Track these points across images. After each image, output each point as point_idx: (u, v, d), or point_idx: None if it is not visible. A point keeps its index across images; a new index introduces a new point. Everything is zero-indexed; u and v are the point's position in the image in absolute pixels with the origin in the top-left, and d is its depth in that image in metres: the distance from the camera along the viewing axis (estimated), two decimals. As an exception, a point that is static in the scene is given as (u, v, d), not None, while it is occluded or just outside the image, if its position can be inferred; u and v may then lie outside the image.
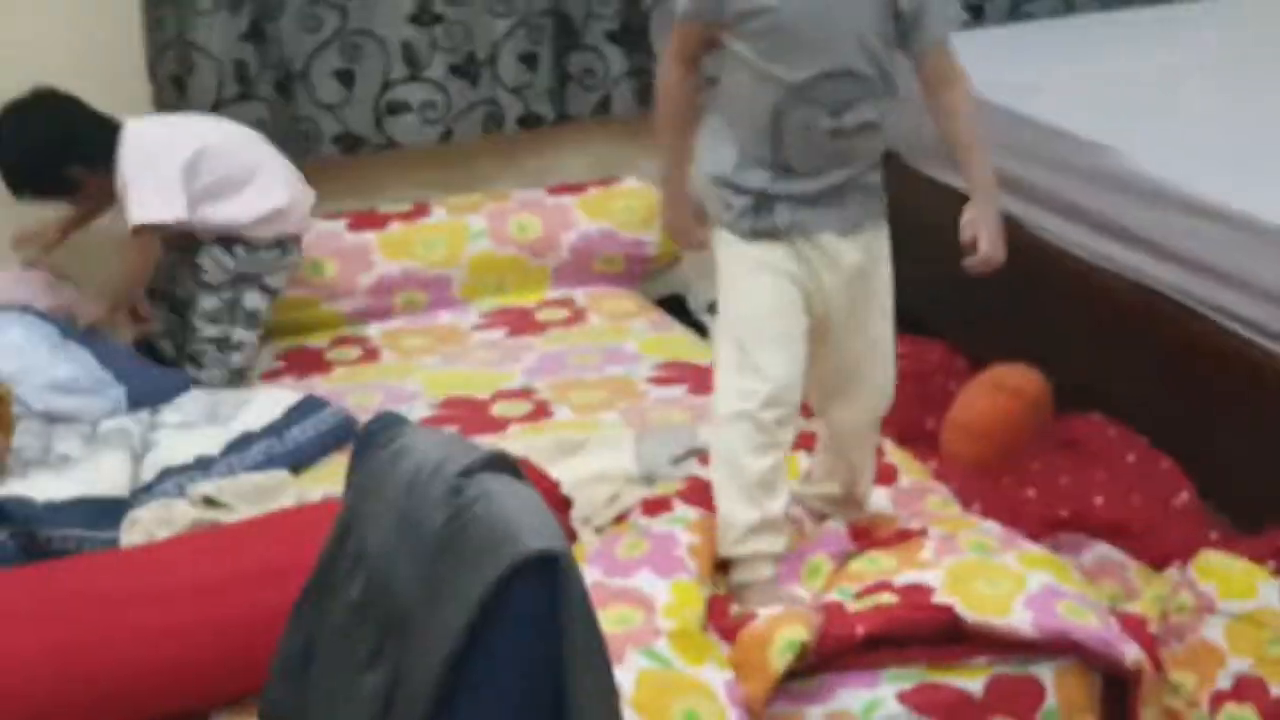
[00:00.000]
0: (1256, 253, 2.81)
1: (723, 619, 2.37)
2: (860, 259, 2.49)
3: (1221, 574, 2.62)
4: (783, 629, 2.25)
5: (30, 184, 3.13)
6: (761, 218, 2.45)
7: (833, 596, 2.39)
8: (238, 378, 3.10)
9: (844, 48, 2.40)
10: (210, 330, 3.10)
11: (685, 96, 2.53)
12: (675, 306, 3.52)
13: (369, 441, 2.02)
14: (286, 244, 3.16)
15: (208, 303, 3.09)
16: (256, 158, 3.19)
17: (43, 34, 3.41)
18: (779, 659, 2.22)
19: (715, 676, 2.23)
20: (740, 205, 2.45)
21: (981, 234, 2.53)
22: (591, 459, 2.74)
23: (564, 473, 2.64)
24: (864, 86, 2.43)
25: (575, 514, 2.59)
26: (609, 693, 1.88)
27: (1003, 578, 2.37)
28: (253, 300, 3.12)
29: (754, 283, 2.47)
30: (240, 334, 3.11)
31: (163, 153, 3.08)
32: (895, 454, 2.86)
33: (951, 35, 2.53)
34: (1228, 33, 3.78)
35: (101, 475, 2.68)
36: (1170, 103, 3.33)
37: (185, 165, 3.06)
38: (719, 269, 2.53)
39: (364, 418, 2.73)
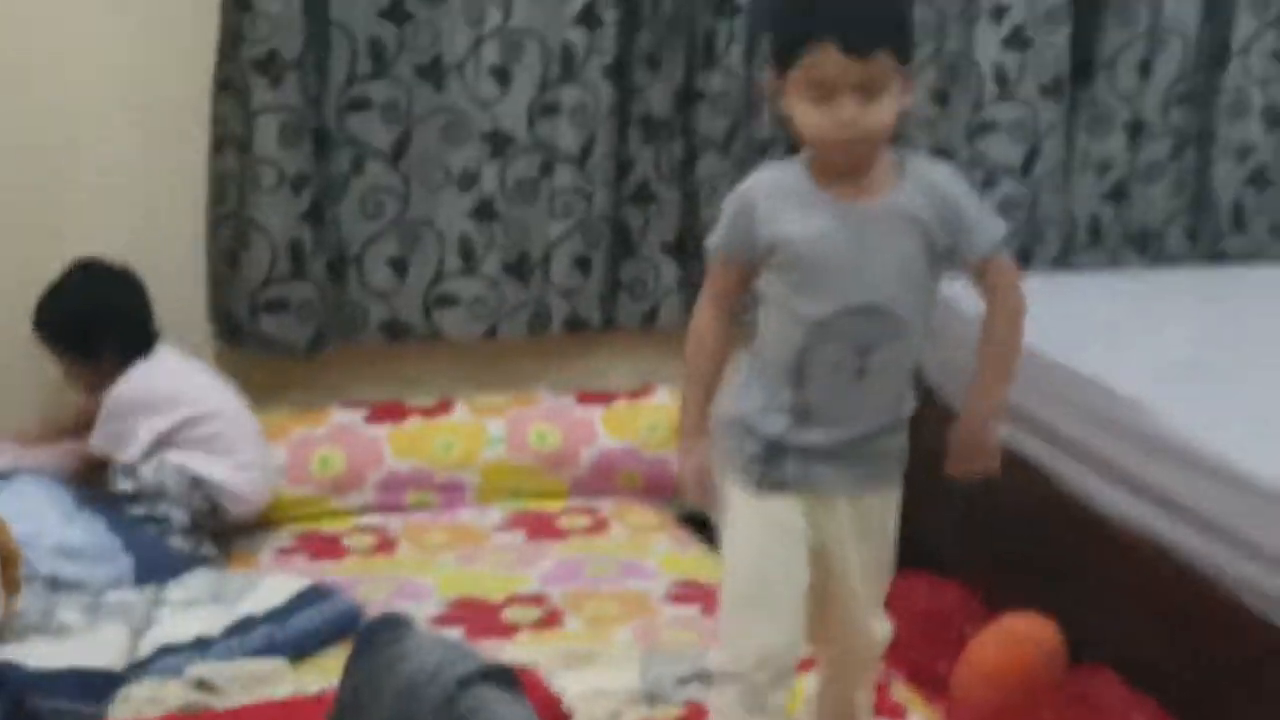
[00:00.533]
0: None
1: None
2: (868, 520, 2.47)
3: None
4: None
5: (65, 334, 3.22)
6: (771, 468, 2.40)
7: None
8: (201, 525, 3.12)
9: (871, 283, 2.37)
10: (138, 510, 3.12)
11: (718, 343, 2.48)
12: (699, 524, 3.46)
13: (369, 640, 2.03)
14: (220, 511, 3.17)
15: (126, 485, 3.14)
16: (243, 433, 3.24)
17: (108, 195, 3.44)
18: None
19: None
20: (751, 452, 2.40)
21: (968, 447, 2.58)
22: (597, 673, 2.70)
23: (568, 684, 2.60)
24: (892, 325, 2.39)
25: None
26: None
27: None
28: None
29: (758, 540, 2.42)
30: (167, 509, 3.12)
31: (154, 404, 3.19)
32: (904, 693, 2.85)
33: (1002, 245, 2.50)
34: (1269, 302, 3.77)
35: (98, 647, 2.65)
36: (1209, 366, 3.32)
37: (164, 430, 3.16)
38: (728, 513, 2.47)
39: (373, 610, 2.74)
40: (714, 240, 2.43)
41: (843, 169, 2.35)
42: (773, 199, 2.37)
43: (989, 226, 2.45)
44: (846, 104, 2.25)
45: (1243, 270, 4.01)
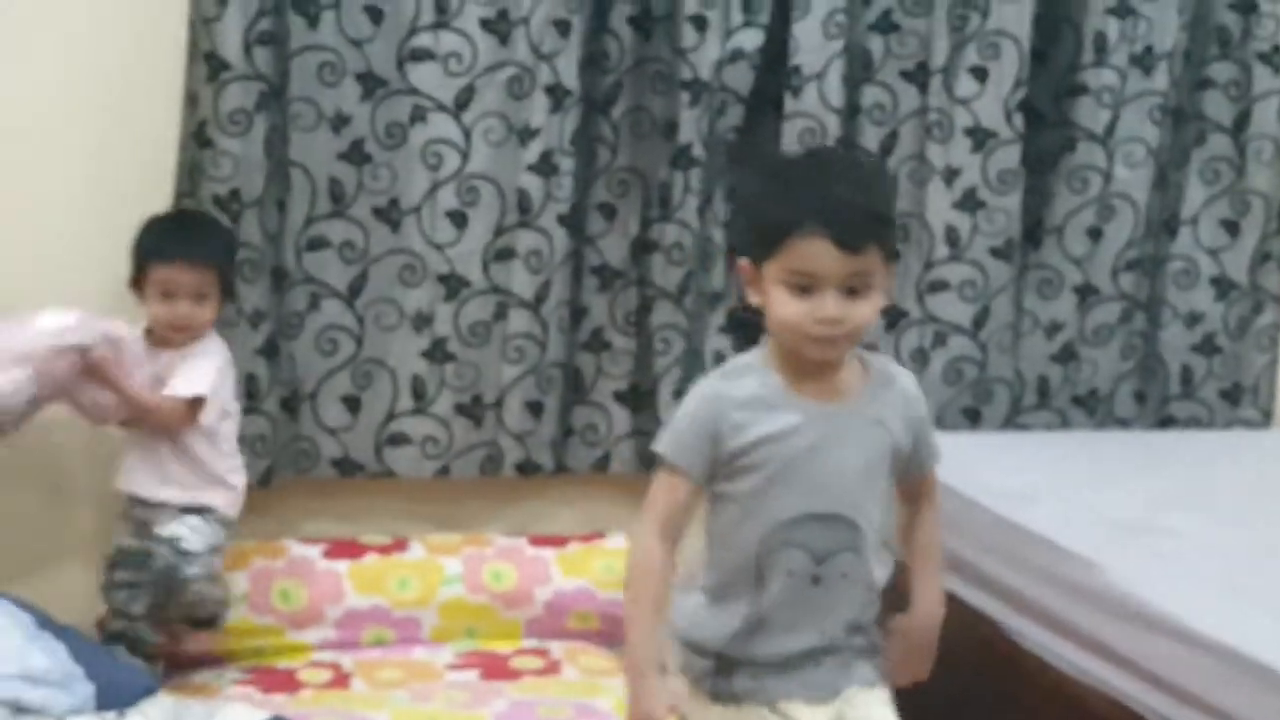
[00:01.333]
0: (1238, 686, 2.77)
1: None
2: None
3: None
4: None
5: (228, 262, 3.30)
6: (720, 682, 2.37)
7: None
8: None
9: (837, 491, 2.34)
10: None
11: (664, 574, 2.36)
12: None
13: None
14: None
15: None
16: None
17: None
18: None
19: None
20: (701, 667, 2.38)
21: (917, 652, 2.59)
22: None
23: None
24: (850, 535, 2.36)
25: None
26: None
27: None
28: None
29: None
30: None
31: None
32: None
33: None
34: (1217, 467, 3.83)
35: (60, 775, 2.66)
36: (1159, 527, 3.34)
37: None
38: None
39: None
40: (668, 448, 2.35)
41: (814, 367, 2.33)
42: (745, 410, 2.32)
43: (935, 440, 2.54)
44: (831, 298, 2.21)
45: (1191, 434, 4.06)
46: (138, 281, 3.19)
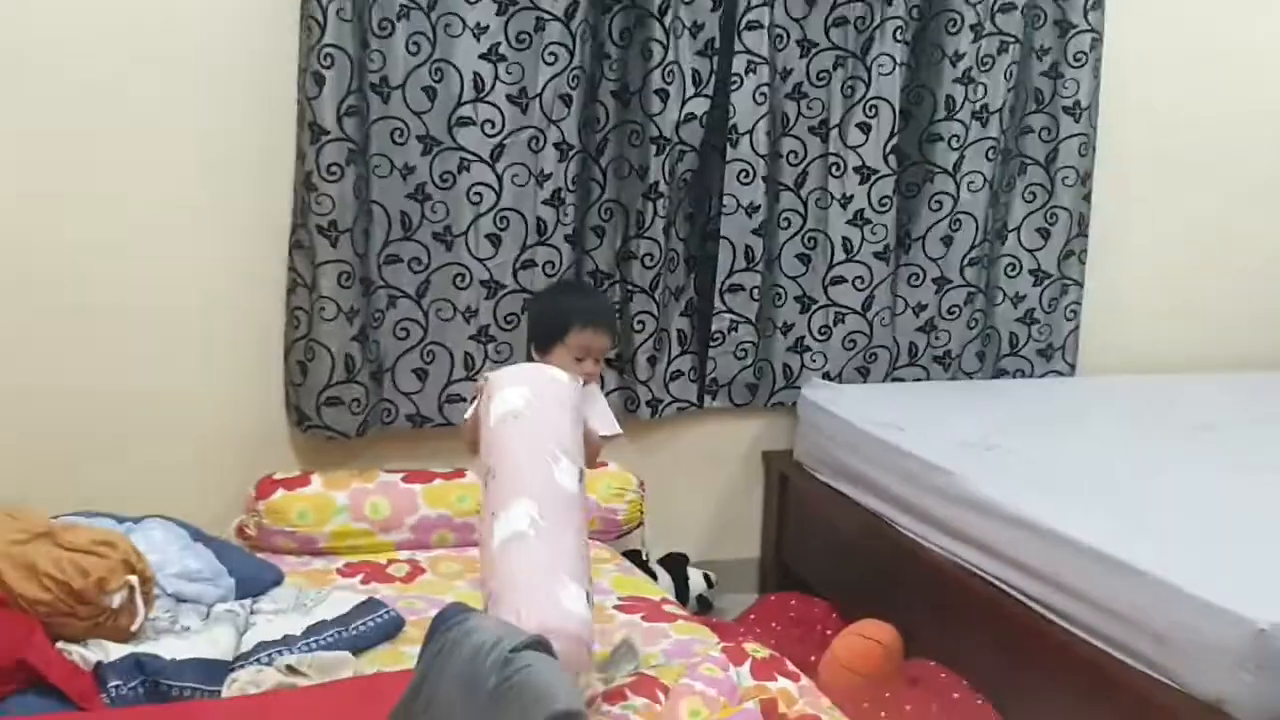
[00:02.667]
0: (1056, 554, 2.84)
1: None
2: None
3: None
4: None
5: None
6: None
7: None
8: None
9: None
10: None
11: None
12: (634, 558, 3.53)
13: (443, 621, 2.06)
14: None
15: None
16: None
17: (212, 326, 3.47)
18: None
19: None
20: None
21: None
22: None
23: None
24: None
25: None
26: None
27: None
28: None
29: None
30: None
31: None
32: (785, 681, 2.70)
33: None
34: (1036, 403, 3.89)
35: (213, 644, 2.66)
36: (995, 445, 3.39)
37: None
38: None
39: (413, 620, 2.76)
40: None
41: None
42: None
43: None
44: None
45: (1017, 381, 4.12)
46: (547, 339, 2.99)
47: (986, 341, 4.12)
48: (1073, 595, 2.82)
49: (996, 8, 3.89)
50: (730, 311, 3.82)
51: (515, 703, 1.83)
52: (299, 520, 3.27)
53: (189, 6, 3.33)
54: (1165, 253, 4.30)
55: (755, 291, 3.83)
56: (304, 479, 3.35)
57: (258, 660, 2.64)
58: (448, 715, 1.90)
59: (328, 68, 3.32)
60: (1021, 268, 4.09)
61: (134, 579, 2.70)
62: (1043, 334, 4.15)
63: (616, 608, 3.00)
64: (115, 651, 2.60)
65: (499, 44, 3.49)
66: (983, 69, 3.90)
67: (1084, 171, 4.06)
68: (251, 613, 2.86)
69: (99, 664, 2.56)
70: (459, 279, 3.57)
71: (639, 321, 3.74)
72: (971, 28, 3.86)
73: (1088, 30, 3.96)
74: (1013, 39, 3.91)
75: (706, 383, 3.86)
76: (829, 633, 3.32)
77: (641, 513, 3.53)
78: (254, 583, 2.97)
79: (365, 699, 2.33)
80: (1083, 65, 3.98)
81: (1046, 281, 4.11)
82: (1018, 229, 4.07)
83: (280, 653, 2.67)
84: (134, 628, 2.69)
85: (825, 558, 3.68)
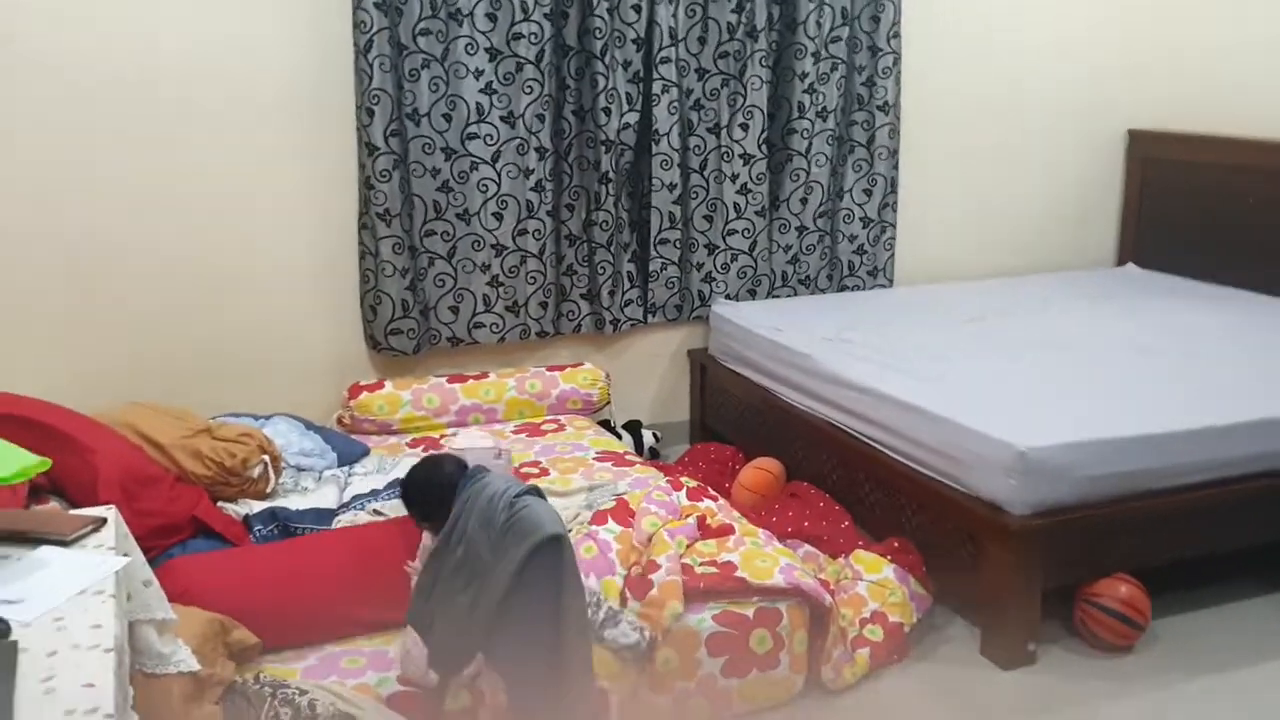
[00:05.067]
0: (886, 411, 2.86)
1: (636, 587, 2.28)
2: None
3: (865, 561, 2.69)
4: (670, 601, 2.23)
5: None
6: None
7: (687, 561, 2.37)
8: None
9: None
10: None
11: None
12: (605, 425, 3.52)
13: (469, 477, 2.05)
14: None
15: None
16: None
17: (315, 285, 3.40)
18: (668, 617, 2.22)
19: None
20: None
21: None
22: (566, 497, 2.71)
23: (554, 503, 2.57)
24: None
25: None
26: (583, 609, 1.90)
27: (767, 559, 2.39)
28: None
29: None
30: None
31: None
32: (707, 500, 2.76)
33: None
34: (867, 307, 3.83)
35: (324, 498, 2.68)
36: (842, 338, 3.36)
37: None
38: None
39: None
40: None
41: None
42: None
43: None
44: None
45: (855, 294, 4.03)
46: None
47: (833, 268, 4.06)
48: (895, 434, 2.84)
49: (829, 39, 3.82)
50: (661, 257, 3.78)
51: (518, 531, 1.84)
52: (378, 412, 3.27)
53: (278, 68, 3.25)
54: (951, 201, 4.25)
55: (677, 243, 3.79)
56: (379, 384, 3.34)
57: (354, 507, 2.66)
58: (473, 544, 1.91)
59: (375, 104, 3.26)
60: (854, 217, 4.02)
61: (267, 458, 2.71)
62: (870, 261, 4.08)
63: (595, 459, 3.02)
64: (257, 506, 2.62)
65: (492, 82, 3.41)
66: (821, 83, 3.84)
67: (892, 149, 3.98)
68: (349, 475, 2.87)
69: (246, 516, 2.56)
70: (475, 244, 3.50)
71: (600, 267, 3.66)
72: (813, 55, 3.79)
73: (890, 52, 3.90)
74: (841, 60, 3.86)
75: (648, 306, 3.83)
76: (736, 467, 3.35)
77: (609, 395, 3.53)
78: (349, 455, 2.99)
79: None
80: (889, 77, 3.92)
81: (871, 225, 4.04)
82: (850, 191, 3.99)
83: (369, 500, 2.69)
84: (268, 490, 2.70)
85: (732, 418, 3.68)
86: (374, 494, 2.72)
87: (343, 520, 2.57)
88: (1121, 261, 4.50)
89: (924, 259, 4.22)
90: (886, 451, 2.85)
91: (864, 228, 4.04)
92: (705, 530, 2.54)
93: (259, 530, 2.50)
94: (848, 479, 3.02)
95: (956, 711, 2.34)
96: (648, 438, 3.69)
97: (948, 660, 2.53)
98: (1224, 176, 4.04)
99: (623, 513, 2.53)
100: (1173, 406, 2.68)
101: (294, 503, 2.64)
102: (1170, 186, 4.27)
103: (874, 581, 2.59)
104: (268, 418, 3.04)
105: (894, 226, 4.08)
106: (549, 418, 3.39)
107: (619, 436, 3.50)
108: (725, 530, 2.52)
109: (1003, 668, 2.50)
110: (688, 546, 2.45)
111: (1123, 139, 4.42)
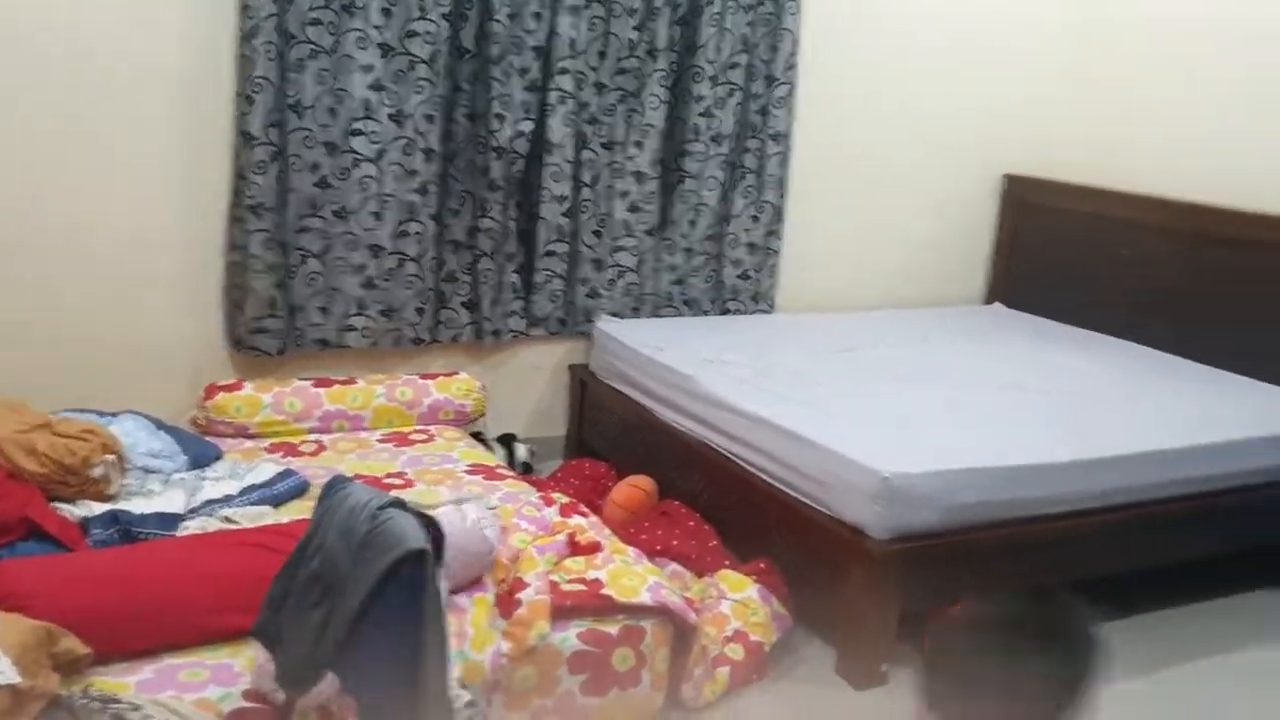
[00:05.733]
0: (759, 431, 2.91)
1: (504, 605, 2.24)
2: None
3: (730, 580, 2.73)
4: (537, 621, 2.21)
5: None
6: None
7: (554, 578, 2.35)
8: None
9: None
10: None
11: None
12: (478, 437, 3.48)
13: (331, 487, 2.01)
14: None
15: None
16: None
17: (180, 278, 3.29)
18: (534, 638, 2.20)
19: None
20: None
21: None
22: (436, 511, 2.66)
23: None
24: None
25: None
26: (443, 630, 1.86)
27: (635, 577, 2.39)
28: None
29: None
30: None
31: None
32: (579, 518, 2.73)
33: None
34: (749, 330, 3.89)
35: (171, 502, 2.57)
36: (722, 359, 3.41)
37: None
38: None
39: (316, 483, 2.66)
40: None
41: None
42: None
43: None
44: None
45: (738, 317, 4.08)
46: None
47: (718, 291, 4.09)
48: (766, 456, 2.89)
49: (727, 64, 3.88)
50: (547, 269, 3.76)
51: (379, 545, 1.79)
52: (235, 413, 3.16)
53: (146, 50, 3.13)
54: (835, 232, 4.35)
55: (564, 255, 3.78)
56: (238, 385, 3.23)
57: (204, 513, 2.57)
58: (331, 556, 1.86)
59: (257, 93, 3.17)
60: (740, 242, 4.06)
61: (111, 457, 2.60)
62: (753, 286, 4.13)
63: (465, 472, 2.97)
64: (97, 508, 2.51)
65: (382, 78, 3.35)
66: (718, 108, 3.90)
67: (781, 178, 4.07)
68: (200, 479, 2.77)
69: (84, 518, 2.45)
70: (351, 244, 3.41)
71: (484, 276, 3.62)
72: (710, 79, 3.85)
73: (785, 83, 3.99)
74: (737, 87, 3.91)
75: (531, 318, 3.81)
76: (610, 484, 3.35)
77: (484, 407, 3.49)
78: (202, 458, 2.88)
79: (279, 538, 2.24)
80: (782, 107, 4.01)
81: (756, 251, 4.10)
82: (739, 216, 4.04)
83: (220, 506, 2.60)
84: (110, 491, 2.59)
85: (609, 435, 3.70)
86: (227, 499, 2.62)
87: (190, 526, 2.47)
88: (990, 300, 4.69)
89: (806, 287, 4.30)
90: (757, 473, 2.90)
91: (749, 253, 4.10)
92: (575, 547, 2.53)
93: (96, 534, 2.38)
94: (719, 499, 3.04)
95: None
96: (521, 451, 3.66)
97: (804, 680, 2.60)
98: (1094, 226, 4.26)
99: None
100: (1034, 440, 2.81)
101: (138, 506, 2.52)
102: (1042, 231, 4.48)
103: (737, 600, 2.62)
104: (115, 415, 2.90)
105: (778, 254, 4.16)
106: (418, 427, 3.32)
107: (491, 450, 3.46)
108: (594, 547, 2.52)
109: (856, 688, 2.57)
110: (556, 563, 2.43)
111: (999, 183, 4.62)
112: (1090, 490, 2.76)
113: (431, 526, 2.06)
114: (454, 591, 2.18)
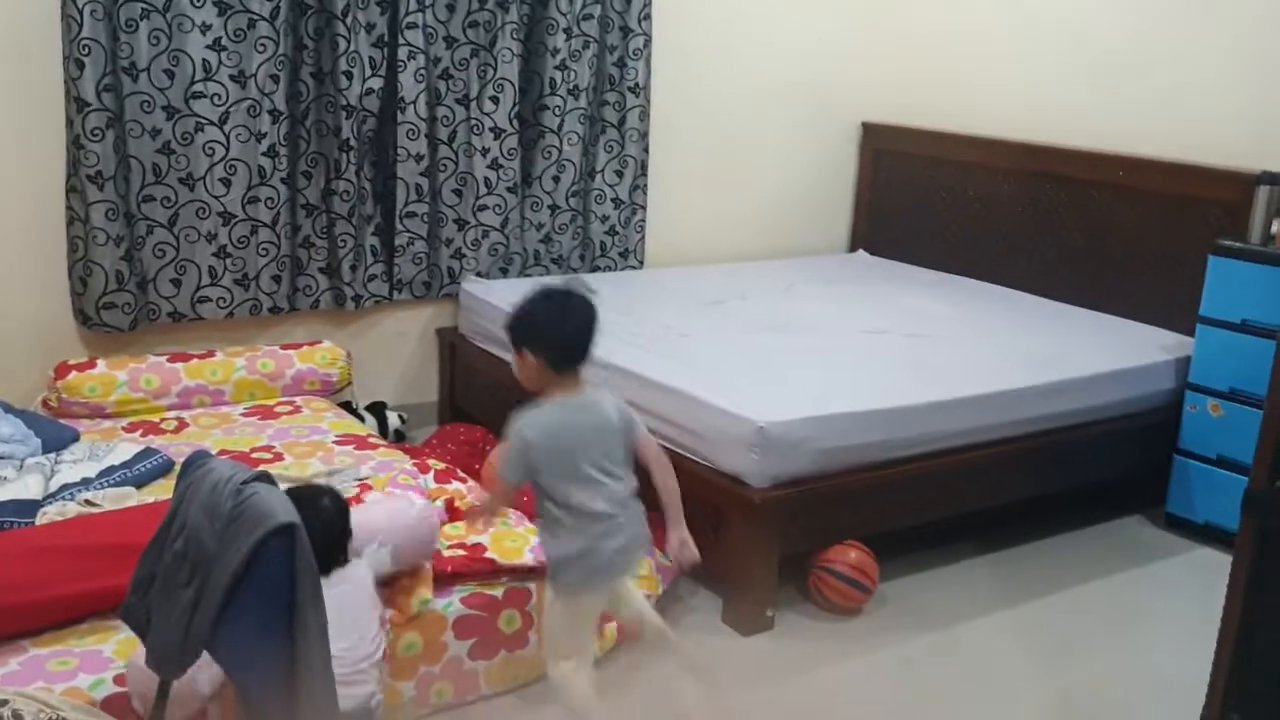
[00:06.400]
0: (636, 387, 2.90)
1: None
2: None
3: None
4: (419, 589, 2.23)
5: None
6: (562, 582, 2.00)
7: (435, 546, 2.31)
8: None
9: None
10: None
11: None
12: (347, 407, 3.45)
13: (191, 463, 1.95)
14: None
15: None
16: None
17: (20, 251, 3.17)
18: (415, 605, 2.22)
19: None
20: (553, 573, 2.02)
21: (688, 548, 2.07)
22: (299, 474, 2.63)
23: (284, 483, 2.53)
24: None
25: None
26: (319, 603, 1.83)
27: (517, 539, 2.40)
28: None
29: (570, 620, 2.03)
30: None
31: None
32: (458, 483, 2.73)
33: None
34: (620, 288, 3.90)
35: (26, 488, 2.49)
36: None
37: None
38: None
39: (178, 460, 2.59)
40: (506, 476, 1.95)
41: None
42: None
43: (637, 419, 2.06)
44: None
45: (605, 274, 4.07)
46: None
47: (586, 247, 4.13)
48: (643, 411, 2.73)
49: (581, 16, 3.89)
50: (408, 231, 3.73)
51: (247, 521, 1.75)
52: (89, 393, 3.07)
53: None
54: (697, 186, 4.43)
55: (425, 216, 3.75)
56: (91, 363, 3.14)
57: (62, 498, 2.52)
58: (196, 535, 1.80)
59: (86, 55, 3.06)
60: (606, 197, 4.10)
61: (-46, 445, 2.47)
62: (621, 242, 4.18)
63: (335, 443, 2.95)
64: None
65: (220, 38, 3.26)
66: (573, 60, 3.91)
67: (643, 131, 4.10)
68: (56, 463, 2.70)
69: (-70, 510, 2.33)
70: (200, 212, 3.35)
71: (341, 240, 3.59)
72: (564, 30, 3.85)
73: (641, 34, 4.02)
74: (593, 39, 3.93)
75: (394, 282, 3.78)
76: (487, 448, 3.34)
77: (350, 375, 3.45)
78: (56, 441, 2.81)
79: (149, 516, 2.20)
80: (639, 59, 4.04)
81: (622, 206, 4.14)
82: (602, 171, 4.07)
83: (79, 490, 2.55)
84: (-42, 482, 2.46)
85: (482, 398, 3.69)
86: (85, 483, 2.56)
87: (49, 512, 2.42)
88: (853, 248, 4.85)
89: (673, 242, 4.37)
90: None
91: (615, 209, 4.14)
92: (454, 513, 2.55)
93: (-55, 526, 2.29)
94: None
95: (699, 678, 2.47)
96: (393, 419, 3.65)
97: (691, 629, 2.64)
98: (948, 171, 4.44)
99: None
100: (901, 383, 2.91)
101: (-10, 495, 2.44)
102: (899, 177, 4.65)
103: None
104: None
105: (644, 209, 4.20)
106: (283, 399, 3.28)
107: (361, 419, 3.44)
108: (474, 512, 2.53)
109: (743, 634, 2.63)
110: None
111: (857, 130, 4.76)
112: (954, 429, 2.88)
113: (330, 497, 2.07)
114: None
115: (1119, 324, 3.66)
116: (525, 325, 2.00)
